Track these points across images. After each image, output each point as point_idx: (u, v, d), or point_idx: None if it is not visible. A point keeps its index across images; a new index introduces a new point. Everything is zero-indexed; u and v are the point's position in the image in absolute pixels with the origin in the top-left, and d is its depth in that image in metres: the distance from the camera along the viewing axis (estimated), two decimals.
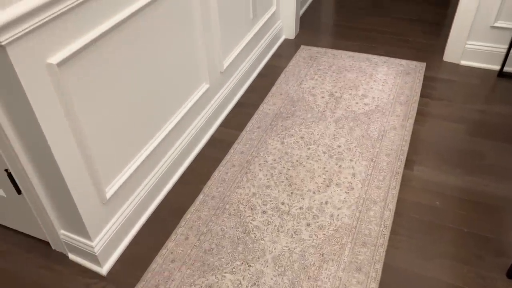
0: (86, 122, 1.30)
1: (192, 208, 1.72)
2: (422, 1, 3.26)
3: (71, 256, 1.56)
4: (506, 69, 2.39)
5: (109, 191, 1.48)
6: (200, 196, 1.77)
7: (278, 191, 1.76)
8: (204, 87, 1.99)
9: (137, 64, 1.47)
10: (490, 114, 2.12)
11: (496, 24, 2.31)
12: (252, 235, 1.60)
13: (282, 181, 1.81)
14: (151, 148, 1.66)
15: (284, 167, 1.88)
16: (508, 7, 2.23)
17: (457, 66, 2.49)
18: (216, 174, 1.88)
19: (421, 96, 2.27)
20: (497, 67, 2.42)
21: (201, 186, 1.83)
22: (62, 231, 1.50)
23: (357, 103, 2.23)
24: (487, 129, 2.03)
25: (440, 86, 2.34)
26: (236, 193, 1.77)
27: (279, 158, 1.93)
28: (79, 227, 1.42)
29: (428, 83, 2.37)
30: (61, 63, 1.14)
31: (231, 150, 2.00)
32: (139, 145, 1.61)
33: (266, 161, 1.92)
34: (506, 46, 2.35)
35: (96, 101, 1.32)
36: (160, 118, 1.71)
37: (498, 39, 2.35)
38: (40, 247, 1.61)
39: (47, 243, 1.60)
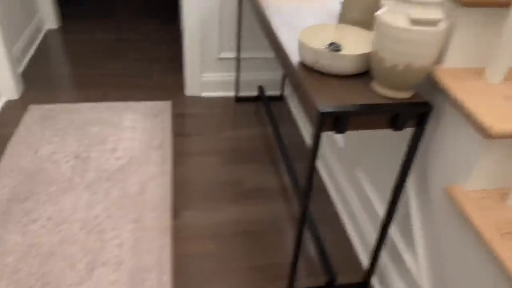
0: None
1: None
2: (157, 39, 3.28)
3: None
4: (240, 94, 2.60)
5: None
6: None
7: None
8: None
9: None
10: (237, 139, 2.24)
11: (221, 56, 2.48)
12: None
13: (34, 286, 1.42)
14: None
15: (32, 266, 1.49)
16: (225, 39, 2.43)
17: (199, 98, 2.57)
18: None
19: (174, 135, 2.22)
20: (233, 94, 2.61)
21: None
22: None
23: (107, 159, 2.00)
24: (239, 154, 2.13)
25: (189, 121, 2.36)
26: None
27: (23, 255, 1.52)
28: None
29: (177, 120, 2.35)
30: None
31: None
32: None
33: (6, 266, 1.48)
34: (234, 73, 2.56)
35: None
36: None
37: (226, 68, 2.54)
38: None
39: None
